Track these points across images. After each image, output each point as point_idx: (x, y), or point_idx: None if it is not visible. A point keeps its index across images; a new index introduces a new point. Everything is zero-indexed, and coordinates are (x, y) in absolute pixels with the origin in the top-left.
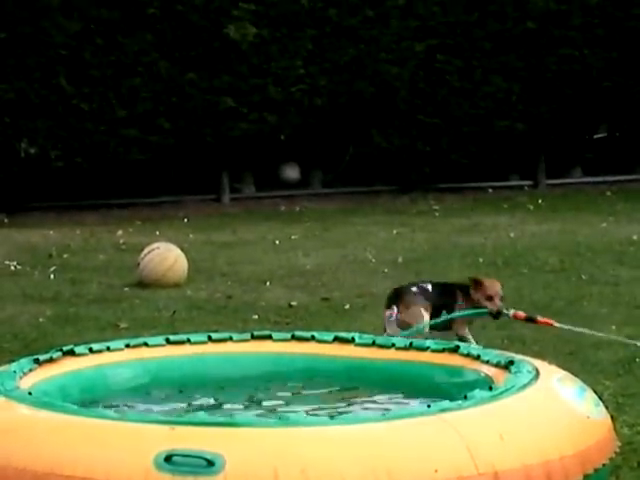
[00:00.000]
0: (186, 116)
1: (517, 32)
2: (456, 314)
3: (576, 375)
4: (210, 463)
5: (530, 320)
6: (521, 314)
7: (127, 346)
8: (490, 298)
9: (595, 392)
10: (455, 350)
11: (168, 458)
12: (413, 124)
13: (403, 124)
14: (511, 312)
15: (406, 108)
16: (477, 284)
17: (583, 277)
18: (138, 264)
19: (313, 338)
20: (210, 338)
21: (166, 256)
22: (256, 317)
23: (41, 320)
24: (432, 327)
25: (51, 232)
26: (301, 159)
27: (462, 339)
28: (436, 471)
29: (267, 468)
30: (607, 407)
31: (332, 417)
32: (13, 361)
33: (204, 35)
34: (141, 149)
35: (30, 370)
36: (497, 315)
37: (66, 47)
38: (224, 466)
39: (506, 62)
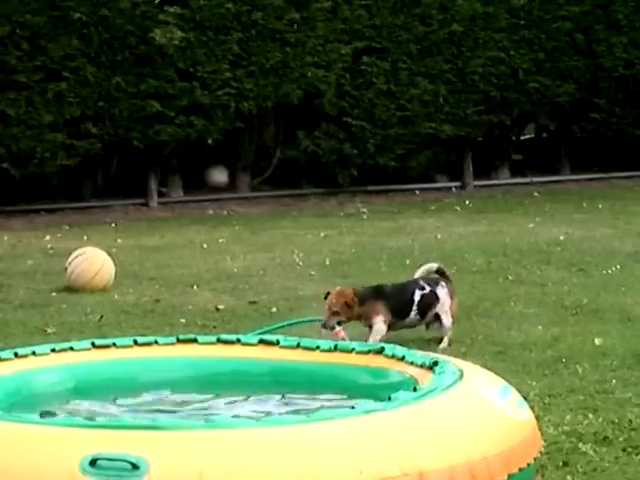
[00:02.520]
0: (113, 120)
1: (443, 35)
2: (287, 322)
3: (502, 375)
4: (135, 466)
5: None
6: (340, 334)
7: (53, 350)
8: (329, 308)
9: (521, 392)
10: (380, 352)
11: (93, 462)
12: (340, 127)
13: (330, 127)
14: (337, 328)
15: (333, 111)
16: (326, 296)
17: (510, 278)
18: (65, 269)
19: (238, 341)
20: (136, 342)
21: (93, 261)
22: (183, 321)
23: None
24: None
25: None
26: (229, 163)
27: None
28: (361, 472)
29: (192, 471)
30: (533, 407)
31: (257, 419)
32: None
33: (130, 39)
34: (68, 154)
35: None
36: (323, 326)
37: None
38: (148, 469)
39: (432, 64)
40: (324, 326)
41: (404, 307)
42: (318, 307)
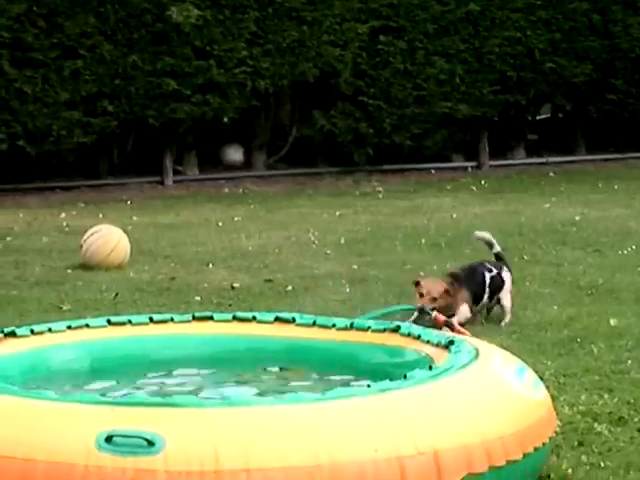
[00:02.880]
0: (129, 98)
1: (460, 14)
2: (382, 311)
3: (517, 355)
4: (150, 443)
5: (447, 326)
6: (441, 318)
7: (69, 327)
8: (421, 295)
9: (536, 372)
10: (396, 330)
11: (109, 439)
12: (356, 106)
13: (346, 106)
14: (434, 313)
15: (349, 90)
16: (416, 284)
17: (525, 258)
18: (81, 246)
19: (254, 319)
20: (151, 319)
21: (109, 238)
22: (199, 299)
23: None
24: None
25: None
26: (244, 141)
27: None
28: (376, 451)
29: (207, 448)
30: (548, 387)
31: (273, 397)
32: None
33: (147, 17)
34: (84, 132)
35: None
36: (420, 311)
37: (8, 30)
38: (164, 446)
39: (449, 44)
40: (421, 311)
41: (481, 291)
42: (333, 286)
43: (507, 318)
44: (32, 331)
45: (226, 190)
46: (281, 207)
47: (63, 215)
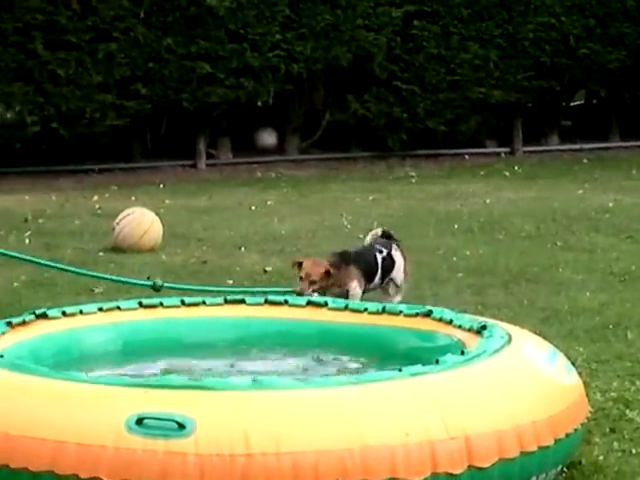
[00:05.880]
0: (163, 82)
1: None
2: (259, 289)
3: (550, 341)
4: (181, 426)
5: None
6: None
7: (100, 310)
8: (300, 278)
9: (568, 358)
10: (428, 314)
11: (139, 421)
12: (390, 91)
13: (380, 91)
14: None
15: (383, 75)
16: (298, 265)
17: (558, 244)
18: (113, 229)
19: (286, 302)
20: (183, 302)
21: (141, 221)
22: (231, 282)
23: (15, 285)
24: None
25: (26, 197)
26: (278, 125)
27: None
28: (407, 435)
29: (238, 432)
30: (580, 373)
31: (304, 381)
32: None
33: (181, 0)
34: (117, 114)
35: (2, 333)
36: (298, 295)
37: (42, 12)
38: (195, 429)
39: (483, 29)
40: (299, 295)
41: (372, 270)
42: None
43: (397, 297)
44: (64, 313)
45: (259, 174)
46: (314, 191)
47: (96, 198)
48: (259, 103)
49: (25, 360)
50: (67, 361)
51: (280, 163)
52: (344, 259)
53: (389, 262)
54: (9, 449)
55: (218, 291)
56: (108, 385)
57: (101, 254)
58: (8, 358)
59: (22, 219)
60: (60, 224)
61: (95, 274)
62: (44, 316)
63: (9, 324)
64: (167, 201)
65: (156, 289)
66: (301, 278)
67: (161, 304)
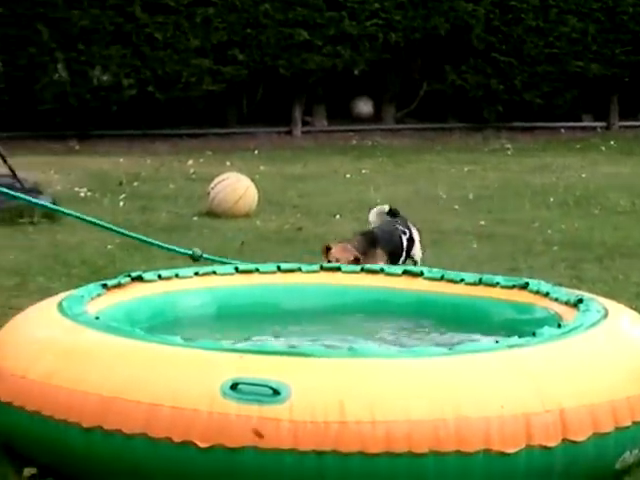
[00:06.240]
0: (260, 48)
1: None
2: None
3: None
4: (276, 392)
5: None
6: None
7: (196, 274)
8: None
9: None
10: (524, 287)
11: (234, 386)
12: (487, 62)
13: (477, 62)
14: None
15: (481, 46)
16: (327, 250)
17: None
18: (208, 194)
19: (382, 271)
20: (279, 268)
21: (236, 186)
22: None
23: (109, 247)
24: None
25: (122, 160)
26: (374, 94)
27: None
28: (502, 407)
29: (333, 399)
30: None
31: (400, 350)
32: (81, 286)
33: None
34: (214, 79)
35: (98, 295)
36: None
37: None
38: (290, 395)
39: (582, 2)
40: None
41: (398, 252)
42: (461, 241)
43: None
44: (160, 276)
45: (354, 142)
46: (409, 161)
47: (190, 162)
48: (356, 71)
49: (120, 322)
50: (162, 324)
51: (376, 132)
52: (371, 242)
53: (412, 242)
54: (103, 410)
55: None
56: (203, 349)
57: (195, 218)
58: (104, 320)
59: (117, 182)
60: (155, 188)
61: (142, 237)
62: (140, 279)
63: (104, 286)
64: (262, 167)
65: (195, 259)
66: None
67: (257, 270)
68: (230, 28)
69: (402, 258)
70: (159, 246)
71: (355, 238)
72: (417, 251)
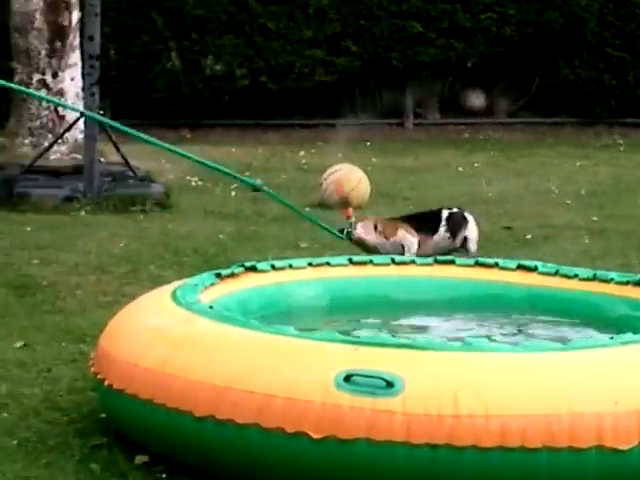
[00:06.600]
0: (373, 39)
1: None
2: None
3: None
4: (389, 384)
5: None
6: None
7: (310, 265)
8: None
9: None
10: (639, 284)
11: (348, 378)
12: (601, 57)
13: (591, 56)
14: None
15: (594, 40)
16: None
17: None
18: (320, 184)
19: (496, 265)
20: (393, 261)
21: (349, 178)
22: None
23: (221, 236)
24: None
25: (233, 149)
26: (486, 87)
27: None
28: (616, 403)
29: (447, 393)
30: None
31: (514, 344)
32: (193, 275)
33: None
34: (326, 70)
35: (212, 284)
36: (341, 232)
37: None
38: (403, 388)
39: None
40: (341, 232)
41: (430, 223)
42: (573, 236)
43: None
44: (273, 266)
45: (466, 135)
46: (521, 155)
47: (302, 153)
48: (469, 64)
49: (233, 312)
50: (274, 314)
51: (488, 125)
52: (396, 218)
53: (459, 219)
54: (215, 400)
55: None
56: (317, 340)
57: (307, 209)
58: (217, 309)
59: None
60: (267, 177)
61: (213, 165)
62: (253, 269)
63: (218, 275)
64: (374, 159)
65: (256, 189)
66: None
67: (371, 261)
68: (344, 19)
69: (442, 229)
70: (226, 173)
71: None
72: (472, 233)
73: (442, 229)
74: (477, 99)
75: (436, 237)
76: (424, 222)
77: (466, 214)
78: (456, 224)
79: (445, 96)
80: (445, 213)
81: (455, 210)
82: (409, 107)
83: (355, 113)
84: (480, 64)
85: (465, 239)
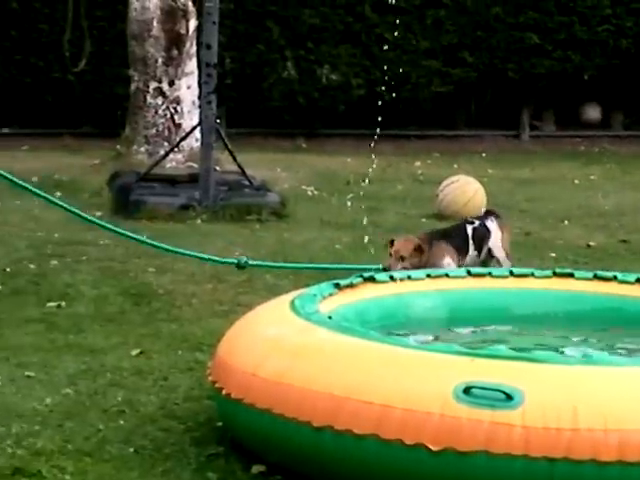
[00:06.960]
0: (490, 50)
1: None
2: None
3: None
4: (509, 397)
5: None
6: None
7: (428, 276)
8: (390, 255)
9: None
10: None
11: (467, 390)
12: None
13: None
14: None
15: None
16: (390, 243)
17: None
18: (437, 195)
19: (615, 278)
20: (512, 273)
21: (466, 189)
22: (554, 255)
23: (337, 246)
24: None
25: (349, 160)
26: (603, 100)
27: None
28: None
29: (567, 406)
30: None
31: (635, 359)
32: (309, 285)
33: None
34: (442, 81)
35: (330, 294)
36: (384, 271)
37: None
38: (523, 401)
39: None
40: (385, 270)
41: (464, 243)
42: None
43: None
44: (392, 277)
45: (582, 148)
46: (638, 168)
47: (418, 163)
48: (585, 76)
49: (351, 323)
50: (393, 325)
51: (604, 138)
52: (433, 235)
53: (483, 232)
54: (334, 410)
55: (300, 267)
56: (436, 352)
57: (423, 220)
58: (336, 320)
59: (344, 181)
60: (382, 188)
61: (178, 250)
62: (372, 279)
63: (337, 286)
64: (490, 170)
65: (240, 267)
66: (390, 255)
67: (490, 274)
68: (460, 30)
69: (471, 248)
70: (200, 258)
71: (419, 233)
72: (496, 243)
73: (471, 248)
74: (593, 111)
75: (468, 259)
76: (456, 241)
77: (488, 223)
78: (479, 239)
79: (561, 108)
80: (469, 230)
81: (477, 223)
82: (525, 119)
83: (471, 124)
84: (596, 76)
85: (489, 251)
